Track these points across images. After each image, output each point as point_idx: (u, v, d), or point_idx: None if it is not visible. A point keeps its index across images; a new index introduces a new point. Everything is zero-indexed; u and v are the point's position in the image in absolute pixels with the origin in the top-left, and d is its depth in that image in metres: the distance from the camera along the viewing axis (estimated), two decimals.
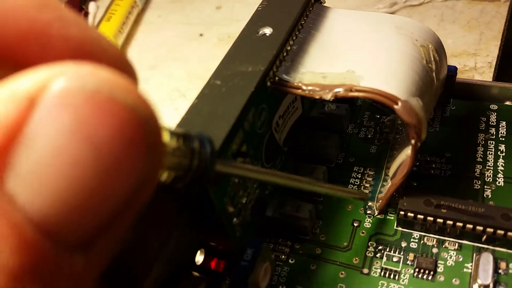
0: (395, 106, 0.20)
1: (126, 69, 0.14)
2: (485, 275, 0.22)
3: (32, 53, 0.12)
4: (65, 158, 0.09)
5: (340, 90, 0.21)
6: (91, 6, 0.52)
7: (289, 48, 0.23)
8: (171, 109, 0.41)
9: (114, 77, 0.10)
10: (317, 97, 0.22)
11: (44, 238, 0.09)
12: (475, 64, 0.40)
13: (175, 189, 0.15)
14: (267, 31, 0.23)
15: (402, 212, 0.24)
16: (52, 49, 0.12)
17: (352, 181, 0.27)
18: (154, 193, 0.11)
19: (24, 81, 0.10)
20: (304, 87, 0.22)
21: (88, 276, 0.10)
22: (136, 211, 0.11)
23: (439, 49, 0.25)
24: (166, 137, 0.13)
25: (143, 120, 0.10)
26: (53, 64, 0.10)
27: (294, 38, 0.24)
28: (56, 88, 0.09)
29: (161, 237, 0.18)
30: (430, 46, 0.24)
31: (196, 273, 0.22)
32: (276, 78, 0.22)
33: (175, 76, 0.45)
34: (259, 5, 0.26)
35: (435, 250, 0.23)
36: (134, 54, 0.49)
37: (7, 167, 0.09)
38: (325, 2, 0.27)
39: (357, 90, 0.21)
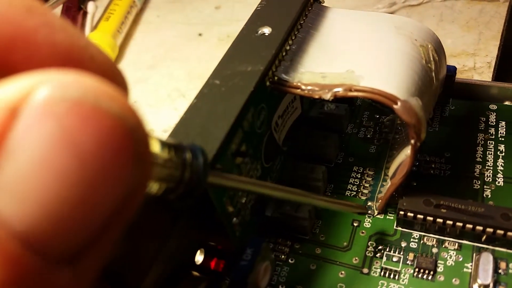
0: (395, 106, 0.20)
1: (115, 78, 0.13)
2: (485, 275, 0.22)
3: (18, 60, 0.11)
4: (49, 170, 0.09)
5: (339, 90, 0.21)
6: (90, 6, 0.52)
7: (288, 47, 0.23)
8: (170, 109, 0.41)
9: (99, 84, 0.10)
10: (317, 96, 0.22)
11: (28, 252, 0.09)
12: (474, 64, 0.40)
13: (167, 200, 0.15)
14: (266, 30, 0.23)
15: (401, 212, 0.24)
16: (39, 55, 0.12)
17: (352, 181, 0.27)
18: (146, 205, 0.11)
19: (6, 90, 0.09)
20: (303, 87, 0.22)
21: None
22: (125, 222, 0.11)
23: (438, 49, 0.25)
24: (157, 148, 0.13)
25: (129, 129, 0.10)
26: (36, 71, 0.10)
27: (293, 38, 0.24)
28: (39, 97, 0.09)
29: (154, 248, 0.18)
30: (429, 46, 0.24)
31: (196, 273, 0.22)
32: (276, 78, 0.22)
33: (174, 76, 0.45)
34: (258, 4, 0.26)
35: (435, 250, 0.23)
36: (133, 54, 0.49)
37: None
38: (324, 2, 0.27)
39: (356, 90, 0.21)
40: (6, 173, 0.09)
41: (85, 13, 0.52)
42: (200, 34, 0.50)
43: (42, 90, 0.09)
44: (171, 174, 0.13)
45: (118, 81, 0.13)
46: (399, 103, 0.20)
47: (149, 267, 0.17)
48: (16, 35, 0.11)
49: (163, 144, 0.13)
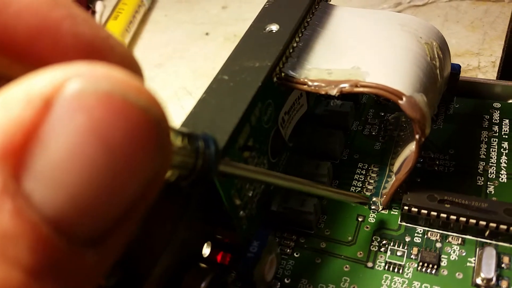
0: (400, 101, 0.21)
1: (133, 67, 0.14)
2: (488, 269, 0.22)
3: (44, 50, 0.12)
4: (80, 160, 0.09)
5: (345, 86, 0.22)
6: (98, 5, 0.53)
7: (295, 44, 0.24)
8: (177, 107, 0.42)
9: (126, 78, 0.10)
10: (323, 92, 0.22)
11: (58, 235, 0.10)
12: (479, 63, 0.40)
13: (179, 187, 0.15)
14: (274, 28, 0.24)
15: (406, 207, 0.24)
16: (63, 46, 0.12)
17: (357, 177, 0.28)
18: (160, 191, 0.12)
19: (39, 82, 0.10)
20: (310, 83, 0.22)
21: (99, 269, 0.11)
22: (145, 208, 0.11)
23: (443, 46, 0.25)
24: (172, 136, 0.13)
25: (155, 121, 0.10)
26: (66, 64, 0.10)
27: (300, 35, 0.24)
28: (70, 90, 0.10)
29: (166, 233, 0.18)
30: (434, 44, 0.24)
31: (203, 265, 0.22)
32: (283, 74, 0.23)
33: (181, 75, 0.46)
34: (266, 2, 0.26)
35: (438, 245, 0.24)
36: (140, 53, 0.50)
37: (24, 168, 0.09)
38: (330, 0, 0.27)
39: (362, 86, 0.21)
40: (39, 161, 0.09)
41: (93, 12, 0.53)
42: (207, 34, 0.50)
43: (74, 83, 0.10)
44: (184, 161, 0.14)
45: (135, 70, 0.14)
46: (404, 99, 0.21)
47: (160, 253, 0.18)
48: (42, 26, 0.12)
49: (178, 132, 0.13)
